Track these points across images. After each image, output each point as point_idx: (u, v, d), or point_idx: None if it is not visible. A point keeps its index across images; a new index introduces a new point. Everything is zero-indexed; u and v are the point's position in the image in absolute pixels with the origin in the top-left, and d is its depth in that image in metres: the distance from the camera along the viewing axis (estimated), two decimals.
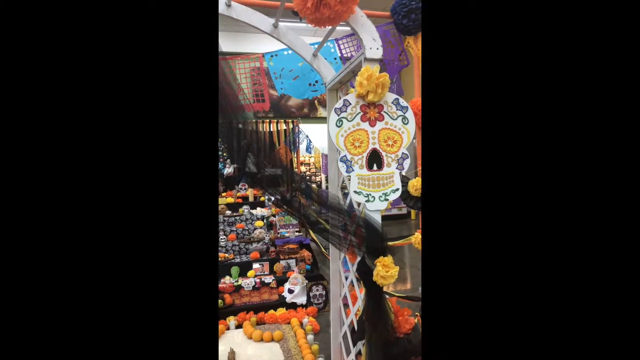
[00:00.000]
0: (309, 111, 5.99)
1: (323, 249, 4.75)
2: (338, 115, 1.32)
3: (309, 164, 8.13)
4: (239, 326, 2.84)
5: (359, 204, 1.46)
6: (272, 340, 2.59)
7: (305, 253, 3.80)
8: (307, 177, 5.27)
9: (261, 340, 2.59)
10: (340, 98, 1.67)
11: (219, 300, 3.06)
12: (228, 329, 2.81)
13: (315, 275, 3.49)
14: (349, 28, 1.40)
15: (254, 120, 4.92)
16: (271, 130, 5.41)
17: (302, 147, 5.72)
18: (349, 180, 1.37)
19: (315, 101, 6.00)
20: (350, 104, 1.32)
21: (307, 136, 5.60)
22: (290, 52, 2.12)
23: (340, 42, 2.30)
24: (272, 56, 2.36)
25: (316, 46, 1.77)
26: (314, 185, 4.91)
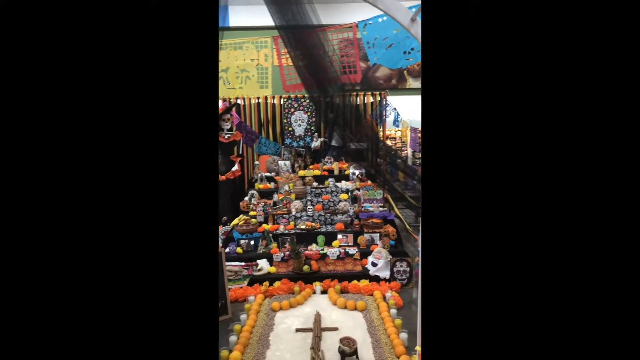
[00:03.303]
0: (398, 82, 5.70)
1: (407, 226, 4.64)
2: None
3: (394, 139, 7.88)
4: (323, 292, 3.00)
5: None
6: (355, 309, 2.68)
7: (390, 228, 3.77)
8: (394, 152, 5.12)
9: (345, 307, 2.69)
10: None
11: (306, 266, 3.26)
12: (314, 293, 2.98)
13: (399, 251, 3.45)
14: None
15: (341, 94, 4.89)
16: (357, 103, 5.33)
17: (389, 120, 5.53)
18: None
19: (405, 71, 5.68)
20: None
21: (394, 109, 5.39)
22: (385, 18, 2.02)
23: None
24: (365, 25, 2.28)
25: (414, 10, 1.65)
26: (399, 160, 4.75)
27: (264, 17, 1.33)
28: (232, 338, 2.26)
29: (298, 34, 1.34)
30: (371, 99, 5.35)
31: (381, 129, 5.51)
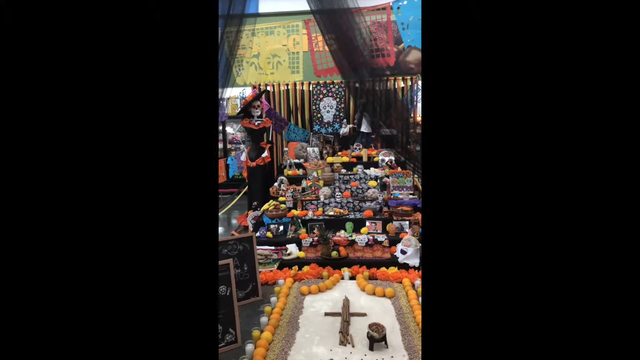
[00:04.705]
0: None
1: None
2: None
3: None
4: (352, 278, 3.01)
5: None
6: (384, 295, 2.68)
7: (419, 216, 3.70)
8: None
9: (373, 294, 2.70)
10: None
11: (334, 252, 3.28)
12: (342, 278, 3.01)
13: None
14: None
15: (371, 79, 4.79)
16: (388, 88, 5.21)
17: (420, 106, 5.38)
18: None
19: None
20: None
21: None
22: None
23: None
24: (399, 6, 2.20)
25: None
26: None
27: (293, 2, 1.31)
28: (263, 319, 2.34)
29: (332, 16, 1.31)
30: (402, 84, 5.20)
31: (412, 115, 5.36)
